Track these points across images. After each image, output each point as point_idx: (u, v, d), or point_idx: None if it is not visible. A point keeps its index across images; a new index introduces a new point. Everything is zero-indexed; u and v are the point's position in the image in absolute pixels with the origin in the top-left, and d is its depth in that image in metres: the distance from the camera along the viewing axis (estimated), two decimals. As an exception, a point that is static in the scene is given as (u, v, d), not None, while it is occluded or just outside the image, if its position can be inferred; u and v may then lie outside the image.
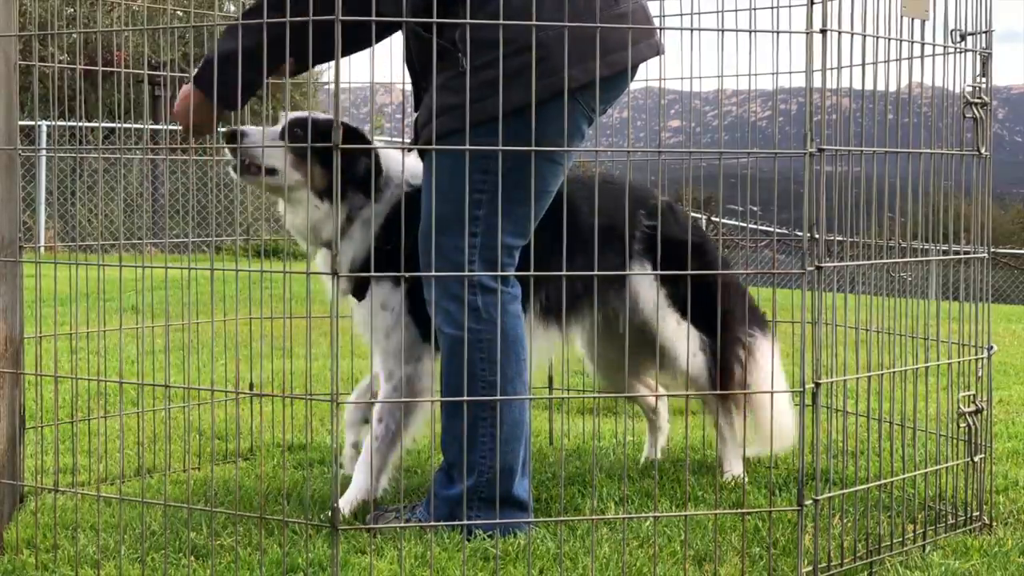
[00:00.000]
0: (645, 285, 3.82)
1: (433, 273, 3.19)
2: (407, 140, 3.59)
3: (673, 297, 3.84)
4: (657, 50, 3.35)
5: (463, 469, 3.18)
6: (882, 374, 3.24)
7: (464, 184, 3.08)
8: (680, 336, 3.80)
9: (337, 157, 2.80)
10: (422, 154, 3.34)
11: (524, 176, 3.15)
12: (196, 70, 3.29)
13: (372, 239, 3.30)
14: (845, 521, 3.19)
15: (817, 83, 2.87)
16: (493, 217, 3.18)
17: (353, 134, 3.42)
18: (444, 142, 3.10)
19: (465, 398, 3.14)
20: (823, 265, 2.92)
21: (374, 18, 2.79)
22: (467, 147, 3.03)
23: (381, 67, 3.40)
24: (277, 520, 3.08)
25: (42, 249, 8.65)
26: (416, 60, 3.29)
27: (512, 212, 3.19)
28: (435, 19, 3.01)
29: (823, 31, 2.86)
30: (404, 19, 3.12)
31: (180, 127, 3.39)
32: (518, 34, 3.02)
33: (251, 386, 4.41)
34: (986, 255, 3.49)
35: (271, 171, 3.41)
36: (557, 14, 3.10)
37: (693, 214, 4.12)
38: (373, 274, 3.31)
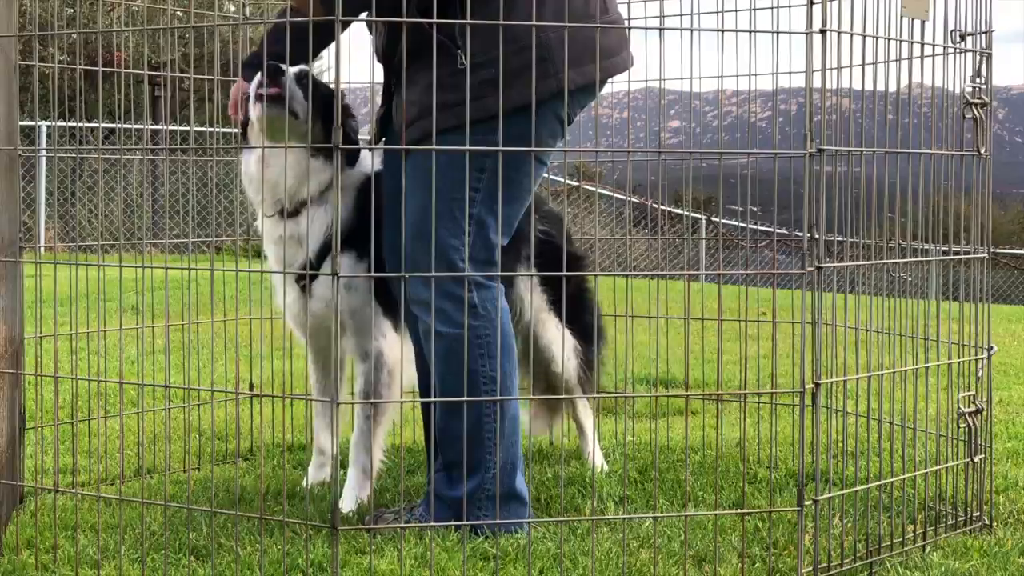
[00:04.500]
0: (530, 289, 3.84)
1: (419, 273, 3.18)
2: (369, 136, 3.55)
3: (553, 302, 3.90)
4: (629, 63, 3.39)
5: (466, 468, 3.16)
6: (882, 374, 3.24)
7: (456, 181, 3.06)
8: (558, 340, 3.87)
9: (337, 157, 2.79)
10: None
11: (518, 175, 3.15)
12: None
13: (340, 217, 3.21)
14: (845, 521, 3.19)
15: (817, 83, 2.87)
16: (486, 215, 3.18)
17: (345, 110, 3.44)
18: (441, 139, 3.02)
19: (467, 397, 3.12)
20: (823, 265, 2.92)
21: (373, 18, 2.78)
22: (468, 147, 3.01)
23: (381, 68, 3.38)
24: (277, 520, 3.08)
25: (42, 249, 8.66)
26: (395, 56, 3.24)
27: (502, 210, 3.19)
28: (431, 17, 2.97)
29: (823, 31, 2.86)
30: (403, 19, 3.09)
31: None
32: (521, 33, 3.01)
33: (251, 386, 4.41)
34: (986, 255, 3.49)
35: (293, 113, 3.39)
36: (558, 16, 3.09)
37: (693, 214, 4.13)
38: (357, 271, 3.28)
